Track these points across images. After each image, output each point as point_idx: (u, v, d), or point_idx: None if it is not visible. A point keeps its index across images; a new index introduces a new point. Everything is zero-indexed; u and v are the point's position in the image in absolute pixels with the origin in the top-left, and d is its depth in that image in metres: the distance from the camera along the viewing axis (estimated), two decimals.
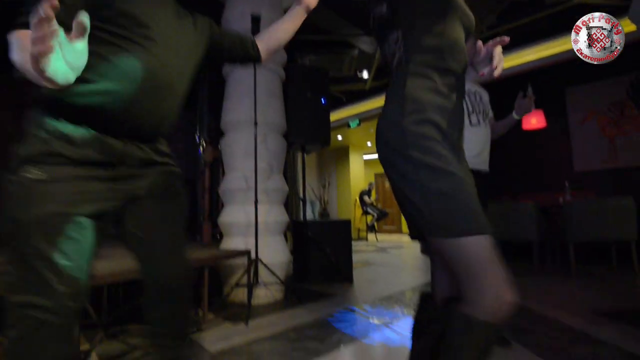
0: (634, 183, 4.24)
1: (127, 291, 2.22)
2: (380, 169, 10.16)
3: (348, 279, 3.49)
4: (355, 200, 9.25)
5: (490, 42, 0.88)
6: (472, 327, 0.70)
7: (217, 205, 3.82)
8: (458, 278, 0.74)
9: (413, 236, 0.95)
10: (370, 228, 8.79)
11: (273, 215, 2.98)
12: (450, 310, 0.76)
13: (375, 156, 10.57)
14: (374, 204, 8.85)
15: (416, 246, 6.51)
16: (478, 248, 0.71)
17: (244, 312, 2.36)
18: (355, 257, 4.55)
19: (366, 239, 8.82)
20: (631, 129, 4.48)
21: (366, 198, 8.67)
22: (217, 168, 3.95)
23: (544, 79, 4.77)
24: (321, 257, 3.43)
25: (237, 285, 2.61)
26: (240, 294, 2.77)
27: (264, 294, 2.80)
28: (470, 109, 1.89)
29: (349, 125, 7.13)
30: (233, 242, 2.93)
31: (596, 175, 4.65)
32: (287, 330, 2.12)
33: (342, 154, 9.75)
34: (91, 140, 0.83)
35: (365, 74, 5.64)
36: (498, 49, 0.89)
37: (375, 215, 8.61)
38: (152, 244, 0.96)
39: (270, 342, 1.93)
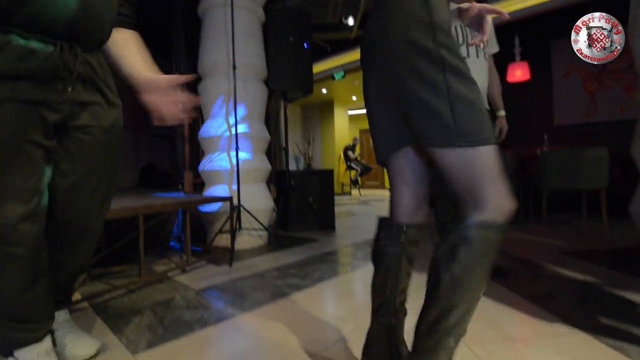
0: (610, 136, 4.36)
1: (110, 234, 2.21)
2: (365, 125, 10.10)
3: (330, 226, 3.58)
4: (340, 155, 9.26)
5: (486, 8, 0.84)
6: (488, 230, 0.70)
7: (198, 154, 3.76)
8: (466, 186, 0.72)
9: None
10: (354, 183, 8.90)
11: (255, 162, 2.95)
12: (455, 229, 0.73)
13: (361, 111, 10.45)
14: (358, 159, 8.89)
15: None
16: (493, 156, 0.72)
17: (228, 256, 2.41)
18: (338, 209, 4.63)
19: (350, 193, 8.96)
20: (612, 83, 4.52)
21: (350, 153, 8.69)
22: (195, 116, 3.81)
23: (530, 30, 4.68)
24: (304, 206, 3.48)
25: (221, 231, 2.64)
26: (224, 240, 2.81)
27: (247, 240, 2.85)
28: (461, 39, 1.59)
29: (333, 78, 6.92)
30: (215, 190, 2.92)
31: (575, 129, 4.74)
32: (270, 269, 2.18)
33: (327, 108, 9.58)
34: (23, 51, 0.79)
35: (350, 21, 5.39)
36: (489, 17, 0.85)
37: (359, 170, 8.68)
38: (66, 181, 0.95)
39: (253, 280, 1.99)
